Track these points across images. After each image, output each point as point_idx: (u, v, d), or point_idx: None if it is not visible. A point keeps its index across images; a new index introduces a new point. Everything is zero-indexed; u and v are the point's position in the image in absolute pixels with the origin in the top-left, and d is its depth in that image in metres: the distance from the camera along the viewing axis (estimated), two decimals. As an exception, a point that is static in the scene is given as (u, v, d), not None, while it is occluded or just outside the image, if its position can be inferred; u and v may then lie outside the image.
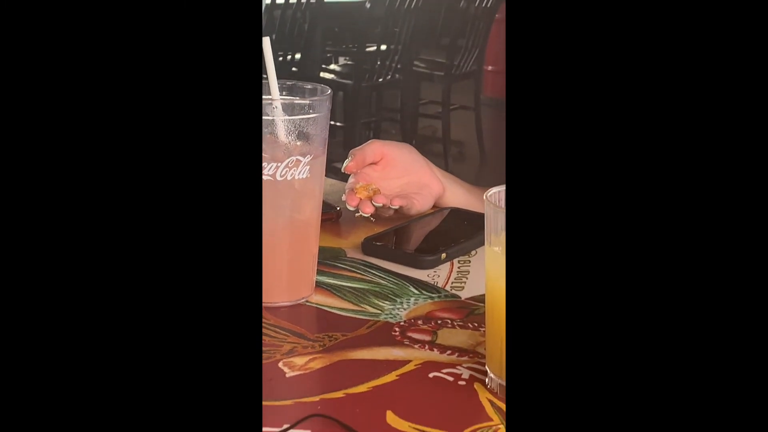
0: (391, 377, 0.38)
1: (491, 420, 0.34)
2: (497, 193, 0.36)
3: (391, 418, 0.34)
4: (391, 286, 0.50)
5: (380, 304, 0.47)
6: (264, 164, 0.41)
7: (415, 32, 2.46)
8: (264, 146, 0.41)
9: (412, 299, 0.48)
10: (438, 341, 0.42)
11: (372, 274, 0.52)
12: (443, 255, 0.54)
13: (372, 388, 0.37)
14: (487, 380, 0.37)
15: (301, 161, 0.42)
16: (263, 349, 0.40)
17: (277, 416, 0.34)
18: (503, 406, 0.35)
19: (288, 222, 0.44)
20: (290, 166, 0.41)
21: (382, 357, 0.41)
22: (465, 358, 0.40)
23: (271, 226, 0.42)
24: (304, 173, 0.42)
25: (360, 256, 0.55)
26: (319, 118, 0.43)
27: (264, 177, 0.41)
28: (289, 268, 0.45)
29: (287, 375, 0.38)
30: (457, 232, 0.58)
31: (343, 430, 0.33)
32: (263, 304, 0.42)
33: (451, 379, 0.38)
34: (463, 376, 0.38)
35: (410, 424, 0.33)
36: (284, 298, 0.45)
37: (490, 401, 0.36)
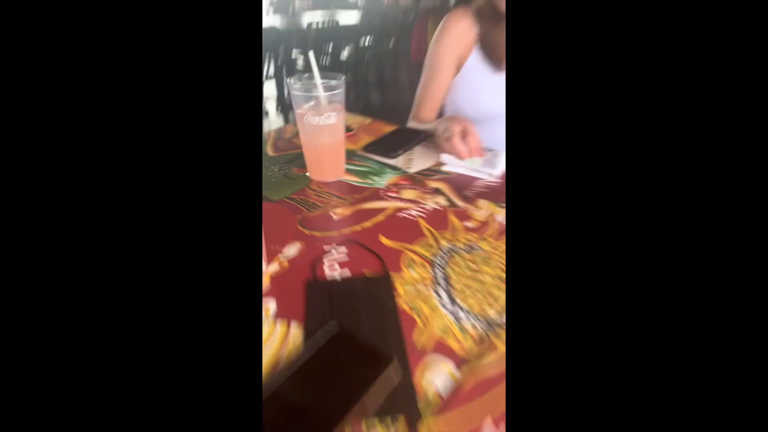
0: (381, 218, 0.80)
1: (425, 235, 0.74)
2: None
3: (383, 239, 0.78)
4: (377, 168, 0.91)
5: (374, 178, 0.87)
6: (314, 118, 0.80)
7: None
8: (313, 109, 0.80)
9: (388, 175, 0.89)
10: (402, 196, 0.85)
11: (370, 161, 0.93)
12: (400, 152, 0.96)
13: (374, 224, 0.79)
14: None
15: (332, 114, 0.82)
16: (322, 203, 0.81)
17: (329, 241, 0.73)
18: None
19: (329, 140, 0.82)
20: (327, 117, 0.81)
21: (377, 206, 0.82)
22: (413, 205, 0.82)
23: (321, 143, 0.80)
24: (334, 119, 0.80)
25: (364, 154, 0.95)
26: (340, 92, 0.82)
27: (315, 123, 0.80)
28: (331, 162, 0.85)
29: (334, 218, 0.79)
30: (408, 139, 1.03)
31: (360, 246, 0.73)
32: (321, 180, 0.85)
33: (407, 216, 0.82)
34: (413, 214, 0.82)
35: (391, 240, 0.78)
36: (331, 177, 0.88)
37: (427, 228, 0.81)
